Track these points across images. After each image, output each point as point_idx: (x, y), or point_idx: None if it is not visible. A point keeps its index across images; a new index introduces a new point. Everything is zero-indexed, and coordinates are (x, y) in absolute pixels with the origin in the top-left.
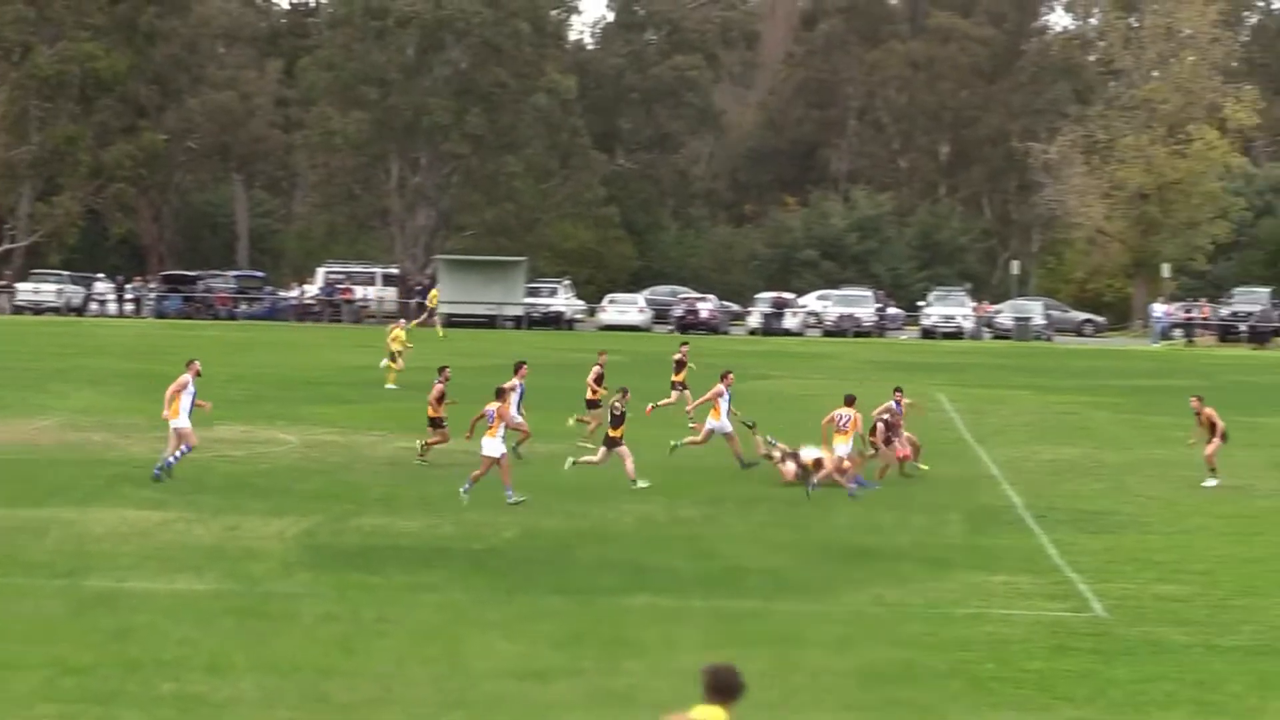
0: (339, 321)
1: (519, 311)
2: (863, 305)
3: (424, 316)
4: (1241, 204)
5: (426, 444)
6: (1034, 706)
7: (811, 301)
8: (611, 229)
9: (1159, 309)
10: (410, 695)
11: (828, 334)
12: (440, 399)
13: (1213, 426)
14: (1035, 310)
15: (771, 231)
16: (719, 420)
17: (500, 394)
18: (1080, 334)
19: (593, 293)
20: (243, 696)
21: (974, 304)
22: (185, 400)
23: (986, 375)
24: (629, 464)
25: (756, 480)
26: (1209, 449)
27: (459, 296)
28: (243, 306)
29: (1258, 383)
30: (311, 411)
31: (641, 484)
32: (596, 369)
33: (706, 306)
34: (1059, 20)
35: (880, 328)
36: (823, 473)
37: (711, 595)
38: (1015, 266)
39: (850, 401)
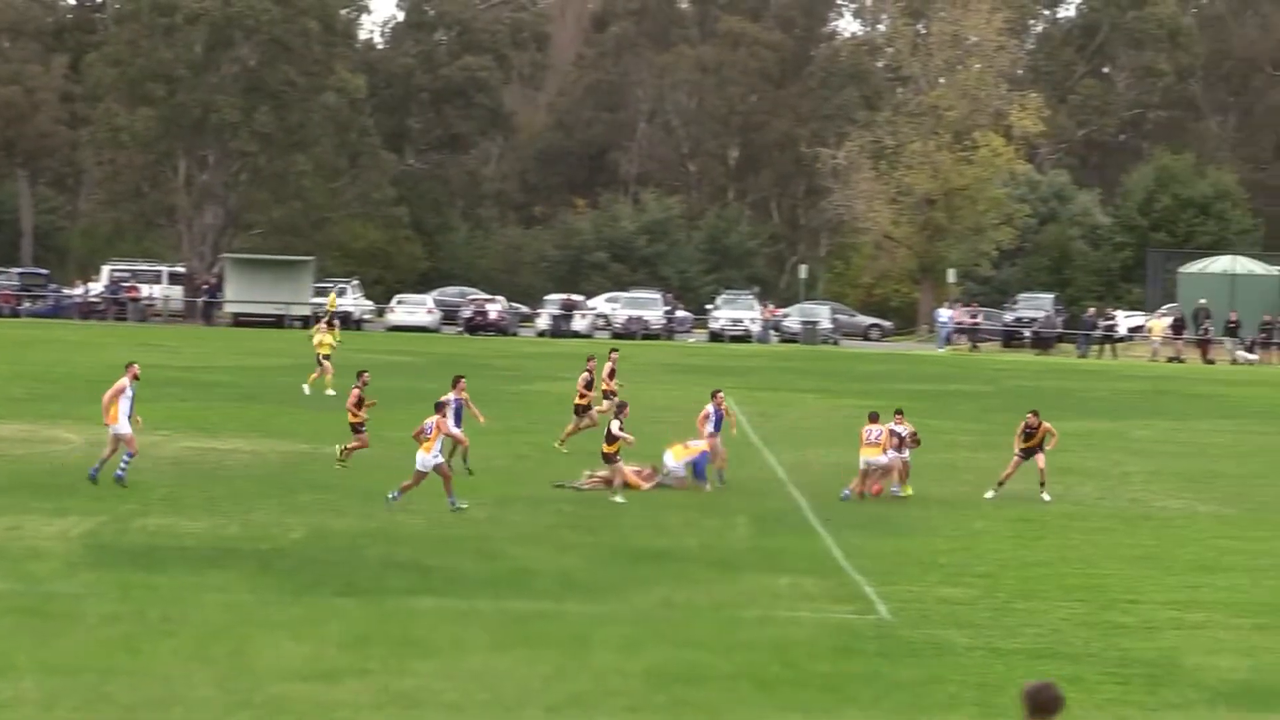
0: (124, 320)
1: (307, 311)
2: (651, 308)
3: (327, 318)
4: (1026, 210)
5: (346, 449)
6: (819, 708)
7: (600, 304)
8: (400, 229)
9: (944, 314)
10: (195, 696)
11: (616, 336)
12: (359, 403)
13: (1042, 440)
14: (822, 314)
15: (561, 233)
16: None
17: (439, 408)
18: (867, 338)
19: (381, 293)
20: (24, 697)
21: (762, 307)
22: (124, 405)
23: (774, 379)
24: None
25: (544, 481)
26: (1041, 462)
27: (246, 296)
28: (26, 304)
29: (1042, 388)
30: (95, 411)
31: (618, 499)
32: (585, 375)
33: (495, 308)
34: (848, 26)
35: (669, 330)
36: (876, 486)
37: (500, 596)
38: (803, 270)
39: (875, 418)
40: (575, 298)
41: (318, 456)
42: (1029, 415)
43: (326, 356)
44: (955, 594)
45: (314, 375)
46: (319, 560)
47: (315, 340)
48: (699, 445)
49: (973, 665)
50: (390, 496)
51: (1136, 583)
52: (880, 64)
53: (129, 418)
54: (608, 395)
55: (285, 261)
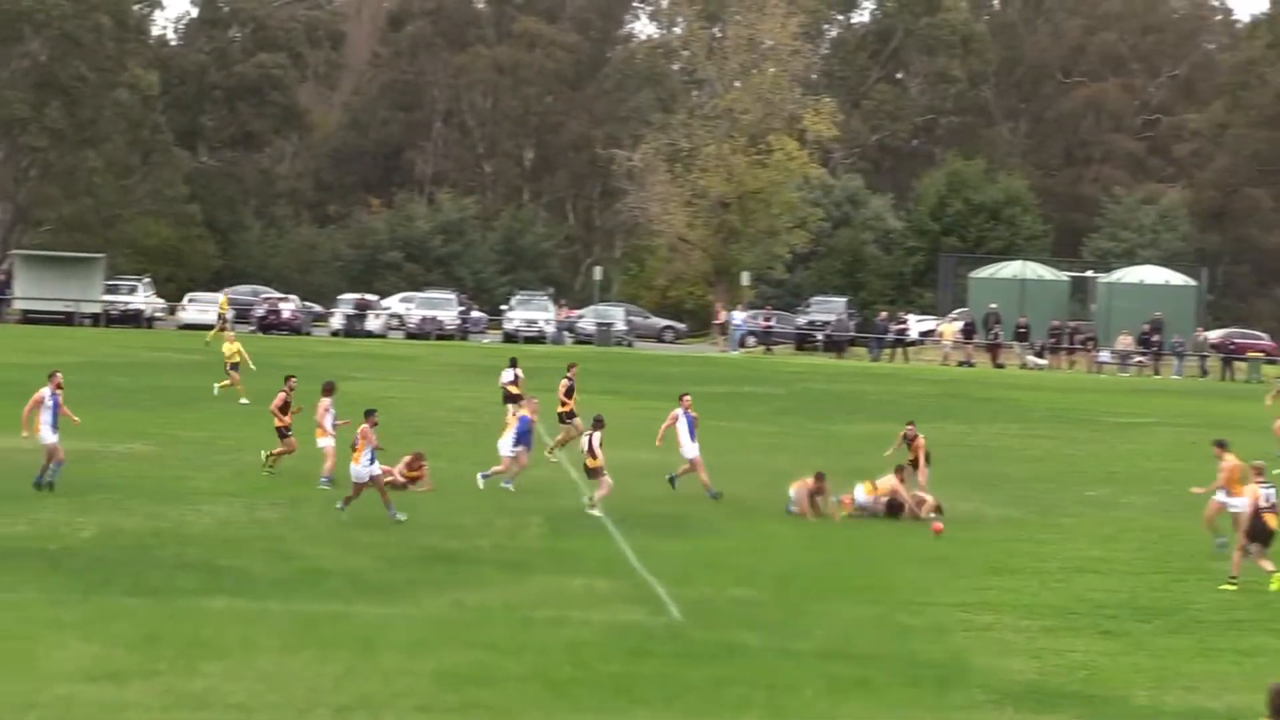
0: None
1: (97, 309)
2: (446, 308)
3: (220, 324)
4: (820, 214)
5: (273, 454)
6: (611, 709)
7: (394, 304)
8: (193, 227)
9: (738, 316)
10: None
11: (410, 336)
12: (284, 407)
13: (924, 455)
14: (617, 316)
15: (355, 233)
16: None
17: (368, 415)
18: (661, 340)
19: (173, 291)
20: None
21: (556, 309)
22: (45, 415)
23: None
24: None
25: (336, 481)
26: (921, 477)
27: (35, 293)
28: None
29: (833, 391)
30: None
31: (595, 512)
32: (566, 381)
33: (289, 307)
34: (644, 29)
35: (463, 331)
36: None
37: (290, 597)
38: (598, 272)
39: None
40: (369, 297)
41: (107, 455)
42: (908, 426)
43: (235, 365)
44: (747, 595)
45: (224, 383)
46: (108, 560)
47: (225, 350)
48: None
49: (763, 666)
50: (337, 506)
51: (926, 584)
52: (676, 67)
53: (52, 426)
54: (564, 419)
55: (75, 258)
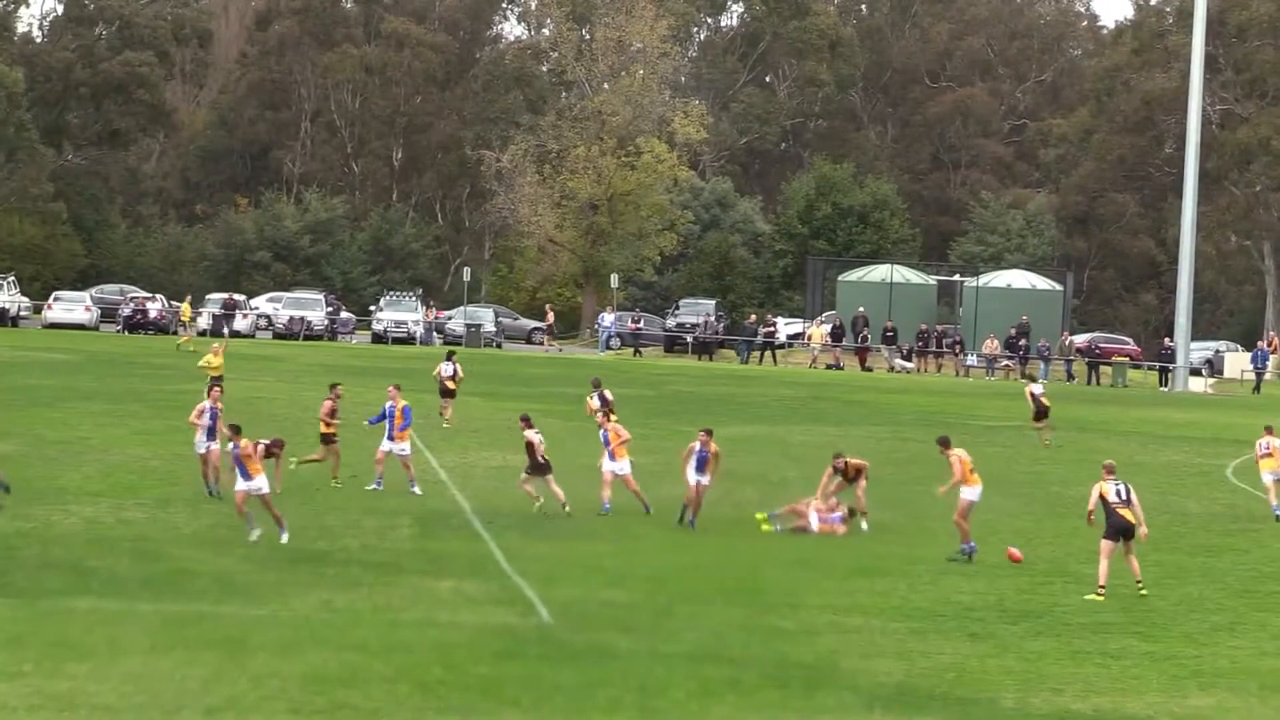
0: None
1: None
2: (314, 308)
3: (186, 330)
4: (689, 217)
5: (306, 459)
6: (480, 711)
7: (262, 303)
8: (58, 225)
9: (607, 318)
10: None
11: (278, 336)
12: (332, 414)
13: (857, 471)
14: (486, 317)
15: (223, 232)
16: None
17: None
18: (530, 342)
19: (38, 290)
20: None
21: (425, 310)
22: None
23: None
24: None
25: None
26: (859, 488)
27: None
28: None
29: (702, 393)
30: None
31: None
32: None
33: (155, 306)
34: (512, 30)
35: (331, 331)
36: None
37: (158, 598)
38: (467, 273)
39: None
40: (237, 297)
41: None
42: (835, 458)
43: (218, 379)
44: (617, 597)
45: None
46: None
47: (211, 363)
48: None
49: (634, 668)
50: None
51: (796, 587)
52: (545, 68)
53: None
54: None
55: None
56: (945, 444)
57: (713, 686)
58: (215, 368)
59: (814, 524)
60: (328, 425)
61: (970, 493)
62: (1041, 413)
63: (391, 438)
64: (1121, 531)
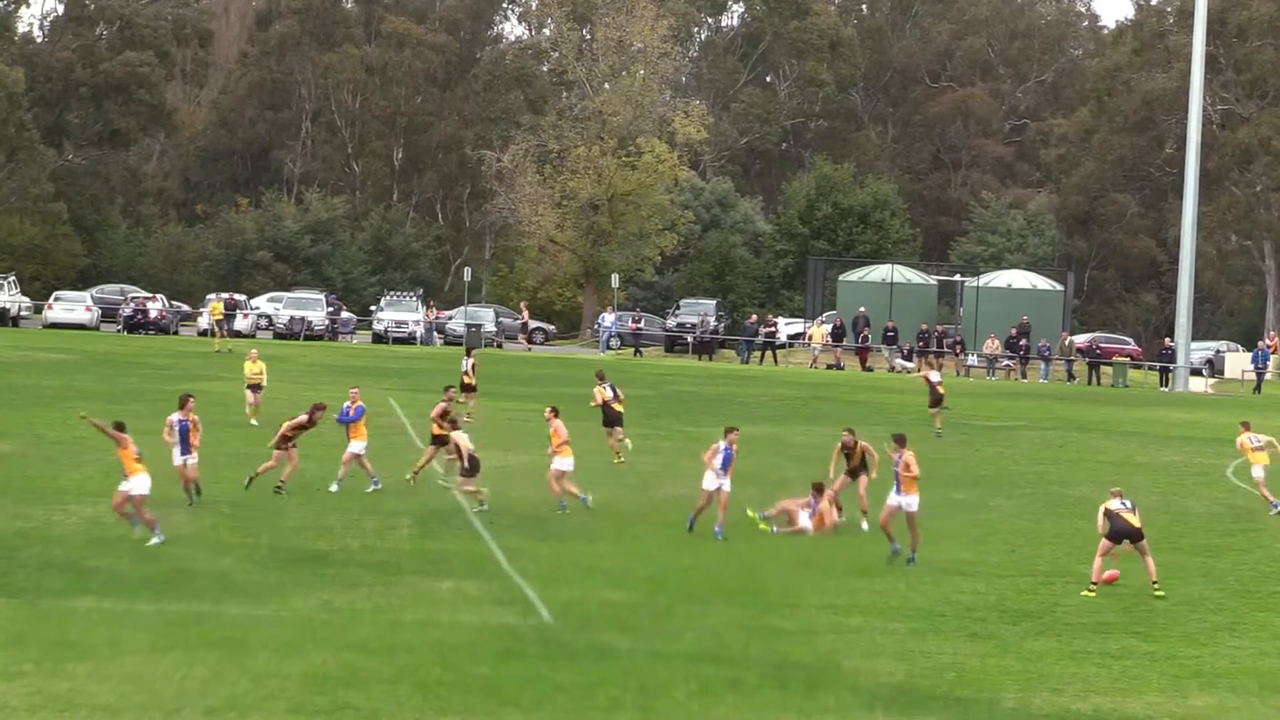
0: None
1: None
2: (314, 308)
3: (220, 330)
4: (689, 217)
5: (419, 468)
6: (481, 711)
7: (263, 303)
8: (59, 225)
9: (607, 318)
10: None
11: (279, 336)
12: (443, 415)
13: (864, 457)
14: (486, 317)
15: (223, 232)
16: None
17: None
18: (531, 341)
19: (39, 290)
20: None
21: (425, 310)
22: None
23: (437, 381)
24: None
25: (205, 483)
26: (862, 486)
27: None
28: None
29: (703, 393)
30: None
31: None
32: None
33: (156, 306)
34: (513, 30)
35: (332, 331)
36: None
37: (158, 598)
38: (468, 273)
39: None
40: (237, 297)
41: None
42: (845, 433)
43: (256, 387)
44: (617, 597)
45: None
46: None
47: (249, 370)
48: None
49: (634, 669)
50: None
51: (796, 587)
52: (545, 68)
53: None
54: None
55: None
56: (901, 442)
57: (713, 686)
58: (255, 375)
59: (805, 523)
60: (440, 428)
61: (900, 499)
62: (937, 400)
63: (350, 437)
64: (1125, 535)
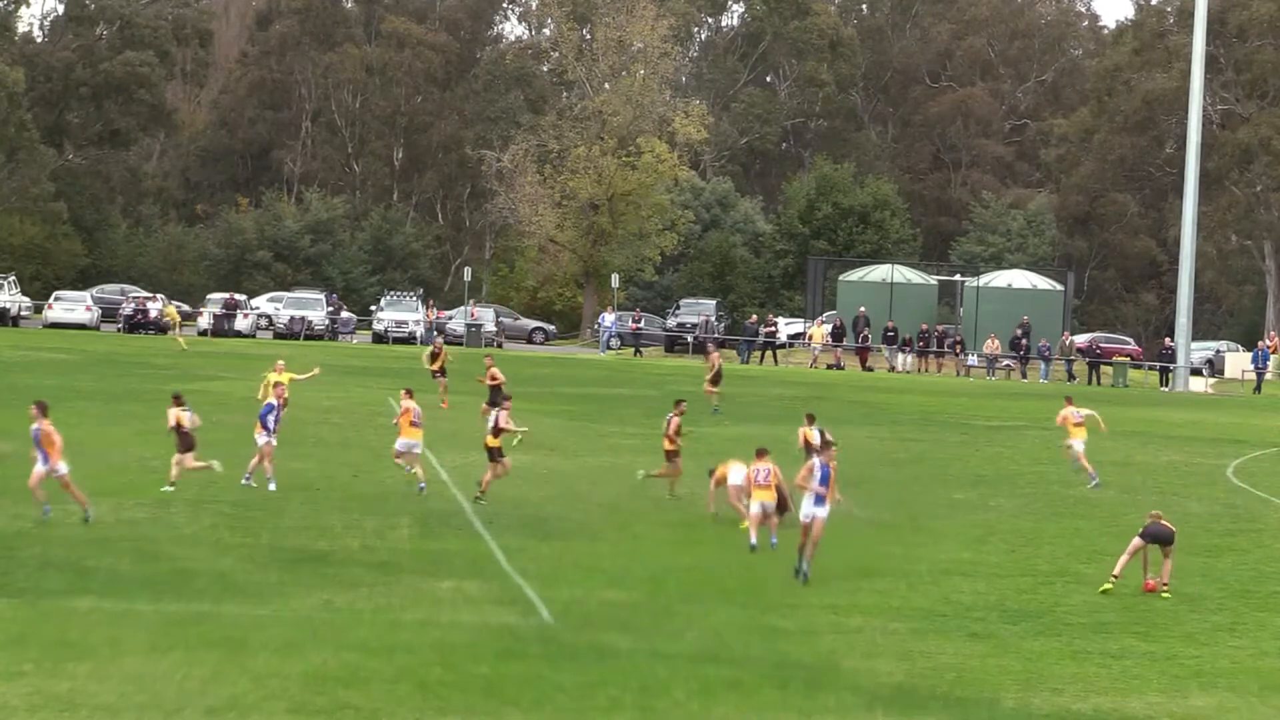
0: None
1: None
2: (314, 308)
3: (175, 330)
4: (689, 217)
5: (652, 474)
6: (481, 711)
7: (263, 303)
8: (59, 225)
9: (608, 318)
10: None
11: (279, 336)
12: (678, 431)
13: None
14: (486, 317)
15: (224, 232)
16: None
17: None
18: (531, 341)
19: (39, 289)
20: None
21: (426, 309)
22: None
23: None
24: None
25: (204, 483)
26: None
27: None
28: None
29: (701, 393)
30: None
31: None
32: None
33: (156, 306)
34: (513, 30)
35: (332, 331)
36: None
37: (158, 598)
38: (468, 273)
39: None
40: (238, 297)
41: None
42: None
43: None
44: (617, 597)
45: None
46: None
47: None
48: None
49: (634, 669)
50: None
51: (796, 587)
52: (545, 68)
53: None
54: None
55: None
56: (811, 420)
57: (713, 686)
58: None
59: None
60: (672, 442)
61: (736, 472)
62: (717, 378)
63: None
64: (1156, 537)
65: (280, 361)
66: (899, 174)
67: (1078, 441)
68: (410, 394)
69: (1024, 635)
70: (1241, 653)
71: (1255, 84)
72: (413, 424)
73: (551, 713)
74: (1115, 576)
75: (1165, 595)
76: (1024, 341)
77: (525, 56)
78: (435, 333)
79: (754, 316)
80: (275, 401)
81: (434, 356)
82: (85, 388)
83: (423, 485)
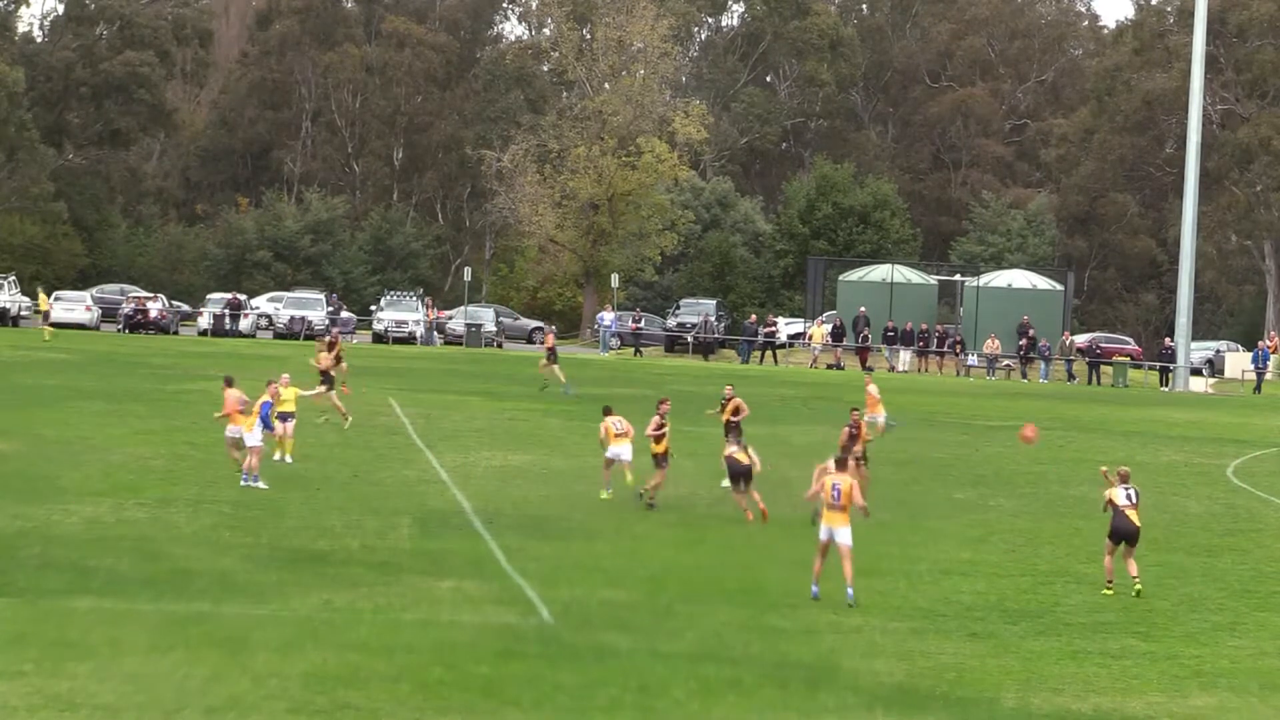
0: None
1: None
2: (314, 308)
3: (43, 320)
4: (689, 217)
5: (648, 487)
6: (481, 710)
7: (263, 303)
8: (59, 225)
9: (608, 318)
10: None
11: (279, 336)
12: (660, 428)
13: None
14: (487, 317)
15: (224, 232)
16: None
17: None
18: (531, 341)
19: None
20: None
21: (426, 309)
22: None
23: (438, 380)
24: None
25: (205, 482)
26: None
27: None
28: None
29: (703, 392)
30: None
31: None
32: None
33: (156, 306)
34: (513, 29)
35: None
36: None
37: (159, 598)
38: (468, 273)
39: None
40: (240, 297)
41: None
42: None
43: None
44: (617, 597)
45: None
46: None
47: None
48: None
49: (634, 668)
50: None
51: (796, 587)
52: (545, 68)
53: None
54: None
55: None
56: (608, 412)
57: (713, 686)
58: (286, 402)
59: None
60: (658, 443)
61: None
62: (552, 356)
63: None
64: (1123, 536)
65: (285, 375)
66: (899, 174)
67: (880, 416)
68: (229, 383)
69: (1024, 635)
70: (1241, 653)
71: (1255, 84)
72: (238, 411)
73: (551, 713)
74: (1109, 583)
75: (1138, 588)
76: (1021, 342)
77: (525, 56)
78: (436, 331)
79: (754, 316)
80: (271, 400)
81: (331, 346)
82: (85, 388)
83: (256, 479)
